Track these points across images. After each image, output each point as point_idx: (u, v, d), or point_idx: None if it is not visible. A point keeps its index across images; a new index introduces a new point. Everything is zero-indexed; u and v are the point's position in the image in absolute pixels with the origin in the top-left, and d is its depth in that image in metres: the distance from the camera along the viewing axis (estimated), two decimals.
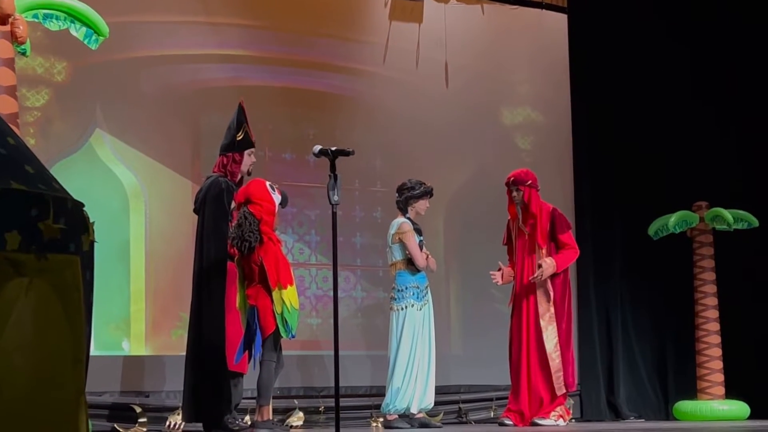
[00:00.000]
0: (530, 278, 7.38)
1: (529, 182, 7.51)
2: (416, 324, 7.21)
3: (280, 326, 5.91)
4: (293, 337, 6.07)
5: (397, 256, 7.39)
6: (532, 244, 7.48)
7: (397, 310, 7.26)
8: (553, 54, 10.03)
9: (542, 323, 7.38)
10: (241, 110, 6.60)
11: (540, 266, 7.35)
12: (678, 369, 9.94)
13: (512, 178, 7.57)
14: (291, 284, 5.98)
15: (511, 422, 7.39)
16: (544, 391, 7.38)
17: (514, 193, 7.54)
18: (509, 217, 7.70)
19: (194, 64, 8.29)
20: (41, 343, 2.06)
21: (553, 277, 7.44)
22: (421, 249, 7.35)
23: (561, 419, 7.38)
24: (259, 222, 6.02)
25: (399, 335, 7.21)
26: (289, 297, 5.93)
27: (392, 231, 7.39)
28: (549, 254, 7.46)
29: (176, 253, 7.92)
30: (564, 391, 7.42)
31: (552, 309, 7.40)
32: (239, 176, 6.59)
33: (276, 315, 5.92)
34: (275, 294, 5.91)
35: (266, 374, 6.04)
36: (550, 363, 7.35)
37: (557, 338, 7.39)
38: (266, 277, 5.93)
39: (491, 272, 7.71)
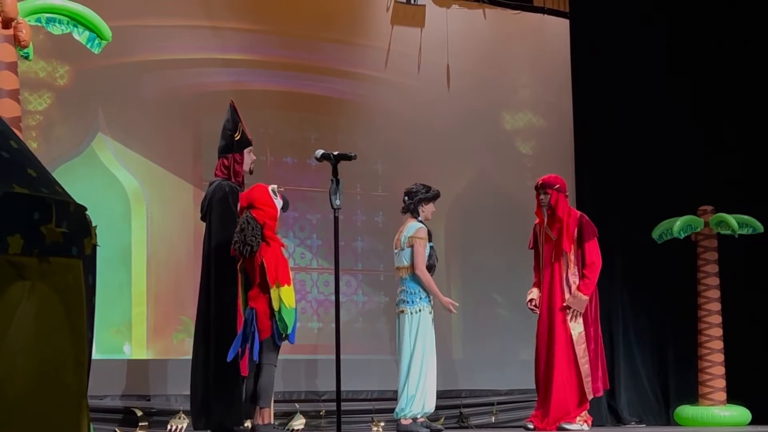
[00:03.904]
0: (567, 315, 7.37)
1: (558, 186, 7.54)
2: (428, 327, 7.18)
3: (277, 323, 5.93)
4: (292, 340, 6.07)
5: (410, 259, 7.28)
6: (558, 249, 7.48)
7: (411, 313, 7.17)
8: (555, 59, 10.03)
9: (572, 329, 7.38)
10: (233, 110, 6.57)
11: (569, 308, 7.34)
12: (679, 374, 9.93)
13: (541, 182, 7.60)
14: (288, 284, 6.02)
15: (532, 426, 7.40)
16: (571, 396, 7.37)
17: (542, 196, 7.56)
18: (536, 221, 7.71)
19: (196, 68, 8.30)
20: (43, 346, 2.07)
21: (579, 282, 7.43)
22: (430, 255, 7.27)
23: (585, 424, 7.42)
24: (262, 227, 6.06)
25: (413, 339, 7.12)
26: (285, 295, 5.96)
27: (408, 234, 7.22)
28: (576, 260, 7.46)
29: (178, 257, 7.93)
30: (593, 395, 7.43)
31: (577, 315, 7.40)
32: (242, 176, 6.58)
33: (273, 312, 5.94)
34: (273, 292, 5.95)
35: (267, 377, 6.06)
36: (581, 368, 7.34)
37: (585, 343, 7.39)
38: (265, 276, 5.96)
39: (532, 308, 7.64)
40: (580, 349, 7.36)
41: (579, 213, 7.66)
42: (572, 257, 7.47)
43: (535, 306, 7.57)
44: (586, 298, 7.38)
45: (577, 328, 7.38)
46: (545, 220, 7.59)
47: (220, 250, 6.27)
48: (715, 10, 10.14)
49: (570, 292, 7.39)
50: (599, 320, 7.64)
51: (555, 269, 7.48)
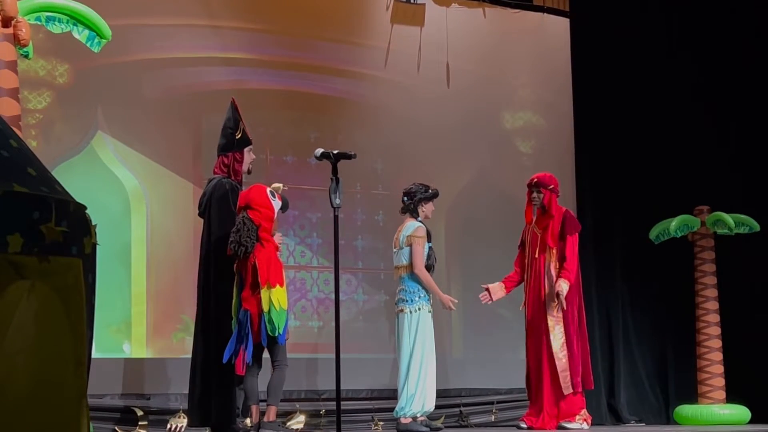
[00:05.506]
0: (555, 306, 7.37)
1: (552, 186, 7.56)
2: (428, 326, 7.18)
3: (266, 324, 5.94)
4: (282, 341, 6.07)
5: (409, 258, 7.30)
6: (543, 244, 7.50)
7: (410, 312, 7.17)
8: (555, 58, 10.03)
9: (549, 323, 7.39)
10: (234, 108, 6.56)
11: (558, 294, 7.33)
12: (679, 373, 9.94)
13: (536, 180, 7.61)
14: (281, 285, 6.01)
15: (525, 425, 7.40)
16: (558, 392, 7.38)
17: (534, 194, 7.57)
18: (525, 222, 7.71)
19: (196, 67, 8.30)
20: (43, 345, 2.07)
21: (560, 272, 7.44)
22: (429, 255, 7.27)
23: (585, 423, 7.42)
24: (258, 228, 6.07)
25: (413, 338, 7.12)
26: (277, 297, 5.96)
27: (407, 233, 7.23)
28: (558, 254, 7.47)
29: (177, 256, 7.93)
30: (570, 390, 7.40)
31: (560, 308, 7.41)
32: (242, 175, 6.58)
33: (263, 314, 5.95)
34: (263, 293, 5.94)
35: (278, 376, 6.12)
36: (556, 362, 7.35)
37: (564, 337, 7.40)
38: (257, 276, 5.96)
39: (480, 296, 7.71)
40: (558, 343, 7.37)
41: (564, 209, 7.68)
42: (555, 251, 7.49)
43: (487, 296, 7.60)
44: (567, 283, 7.37)
45: (555, 322, 7.38)
46: (534, 219, 7.60)
47: (220, 247, 6.26)
48: (717, 10, 10.14)
49: (552, 284, 7.40)
50: (584, 318, 7.63)
51: (540, 263, 7.50)
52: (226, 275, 6.23)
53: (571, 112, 10.04)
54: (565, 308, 7.35)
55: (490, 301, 7.72)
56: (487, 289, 7.67)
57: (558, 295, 7.31)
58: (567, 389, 7.38)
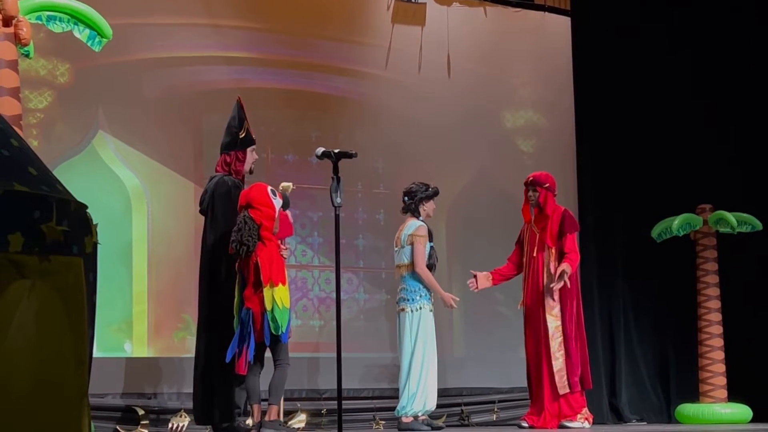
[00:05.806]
0: (552, 286, 7.33)
1: (547, 185, 7.56)
2: (429, 325, 7.18)
3: (269, 323, 5.94)
4: (284, 340, 6.07)
5: (410, 257, 7.31)
6: (541, 243, 7.50)
7: (411, 311, 7.17)
8: (556, 57, 10.03)
9: (548, 322, 7.38)
10: (240, 107, 6.57)
11: (564, 272, 7.28)
12: (680, 372, 9.93)
13: (531, 179, 7.61)
14: (283, 283, 6.04)
15: (526, 425, 7.40)
16: (556, 391, 7.38)
17: (530, 193, 7.58)
18: (524, 221, 7.71)
19: (197, 66, 8.29)
20: (44, 344, 2.06)
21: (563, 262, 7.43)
22: (430, 255, 7.28)
23: (586, 422, 7.42)
24: (259, 227, 6.07)
25: (414, 337, 7.12)
26: (279, 295, 5.97)
27: (408, 232, 7.24)
28: (557, 254, 7.45)
29: (178, 255, 7.92)
30: (567, 390, 7.39)
31: (558, 307, 7.40)
32: (243, 174, 6.58)
33: (266, 312, 5.95)
34: (266, 291, 5.96)
35: (279, 375, 6.12)
36: (553, 362, 7.35)
37: (561, 337, 7.39)
38: (259, 275, 5.97)
39: (468, 282, 7.72)
40: (555, 343, 7.36)
41: (563, 208, 7.68)
42: (554, 251, 7.49)
43: (474, 283, 7.62)
44: (570, 267, 7.32)
45: (553, 322, 7.38)
46: (532, 218, 7.61)
47: (226, 243, 6.26)
48: (717, 10, 10.13)
49: (551, 282, 7.37)
50: (583, 318, 7.61)
51: (539, 262, 7.50)
52: (232, 272, 6.24)
53: (572, 111, 10.04)
54: (569, 286, 7.32)
55: (476, 289, 7.73)
56: (475, 276, 7.69)
57: (563, 273, 7.25)
58: (563, 389, 7.37)
